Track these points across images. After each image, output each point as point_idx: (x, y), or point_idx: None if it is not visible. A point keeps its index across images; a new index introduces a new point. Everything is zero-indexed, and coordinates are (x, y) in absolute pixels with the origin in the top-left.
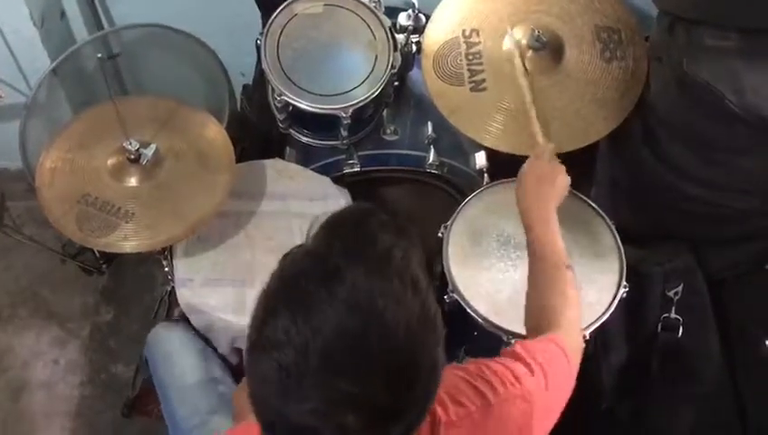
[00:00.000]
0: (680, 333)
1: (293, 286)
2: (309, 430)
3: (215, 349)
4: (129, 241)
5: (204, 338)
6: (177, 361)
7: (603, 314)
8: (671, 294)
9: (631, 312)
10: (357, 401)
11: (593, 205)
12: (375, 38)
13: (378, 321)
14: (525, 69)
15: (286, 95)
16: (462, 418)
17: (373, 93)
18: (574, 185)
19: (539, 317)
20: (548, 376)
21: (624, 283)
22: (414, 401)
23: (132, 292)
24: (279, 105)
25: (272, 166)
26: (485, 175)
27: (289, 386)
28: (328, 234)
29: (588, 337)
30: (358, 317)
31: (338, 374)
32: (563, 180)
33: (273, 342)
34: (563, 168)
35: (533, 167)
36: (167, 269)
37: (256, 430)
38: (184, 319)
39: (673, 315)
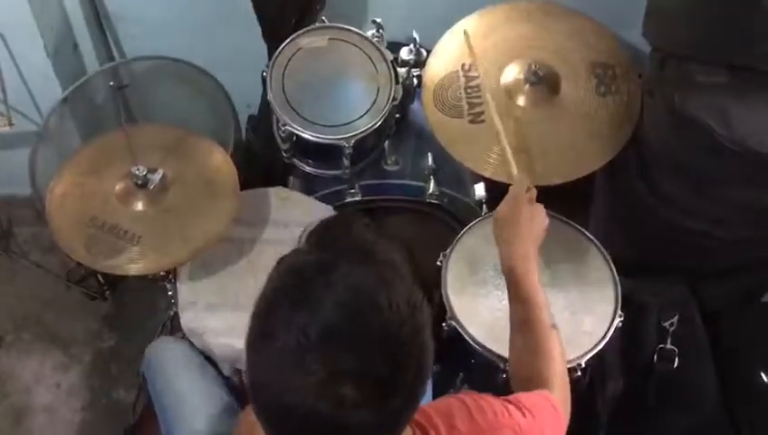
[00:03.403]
0: (676, 364)
1: (292, 280)
2: (308, 410)
3: (218, 370)
4: (135, 263)
5: (207, 358)
6: (179, 382)
7: (599, 342)
8: (666, 324)
9: (627, 342)
10: (355, 372)
11: (589, 235)
12: (377, 71)
13: (372, 301)
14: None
15: (290, 125)
16: None
17: (375, 124)
18: (571, 216)
19: (527, 379)
20: (537, 418)
21: (620, 312)
22: (407, 375)
23: (135, 318)
24: (283, 135)
25: (275, 194)
26: (484, 206)
27: (290, 365)
28: (319, 236)
29: (584, 366)
30: (354, 298)
31: (337, 348)
32: (541, 221)
33: (277, 328)
34: (541, 207)
35: (509, 208)
36: (170, 293)
37: None
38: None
39: (668, 346)
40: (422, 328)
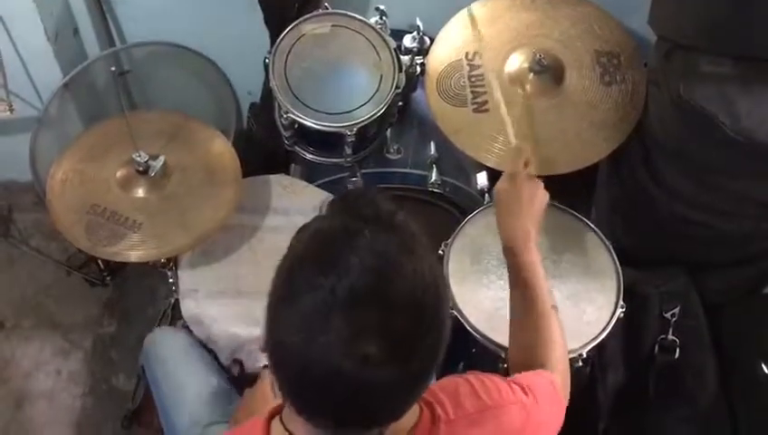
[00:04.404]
0: (677, 355)
1: (316, 244)
2: (331, 369)
3: (216, 359)
4: (135, 251)
5: (206, 348)
6: (177, 370)
7: (601, 333)
8: (668, 315)
9: (629, 333)
10: (380, 329)
11: (592, 226)
12: (380, 59)
13: (396, 264)
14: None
15: (293, 113)
16: (461, 417)
17: (377, 112)
18: (574, 206)
19: (527, 361)
20: (539, 399)
21: (622, 302)
22: (427, 338)
23: (135, 304)
24: (285, 122)
25: (277, 181)
26: (487, 195)
27: (316, 323)
28: (342, 204)
29: (585, 356)
30: (378, 261)
31: (363, 307)
32: (541, 197)
33: (302, 289)
34: (540, 183)
35: (508, 186)
36: (171, 280)
37: (260, 425)
38: (186, 330)
39: (670, 337)
40: (443, 296)
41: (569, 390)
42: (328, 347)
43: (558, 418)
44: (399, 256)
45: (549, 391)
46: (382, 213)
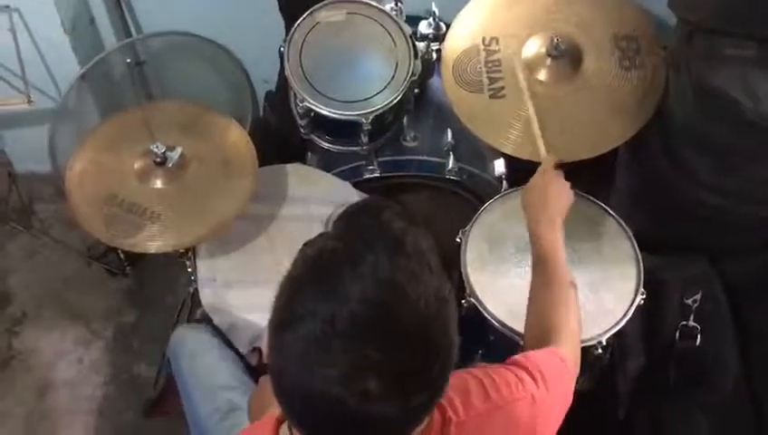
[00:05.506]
0: (698, 341)
1: (318, 267)
2: (332, 400)
3: (235, 349)
4: (154, 241)
5: (224, 338)
6: (202, 361)
7: (620, 320)
8: (689, 301)
9: (649, 319)
10: (381, 365)
11: (611, 212)
12: (396, 45)
13: (400, 293)
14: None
15: (308, 101)
16: (471, 417)
17: (393, 100)
18: (593, 192)
19: (540, 333)
20: (549, 384)
21: (642, 289)
22: (433, 371)
23: (155, 294)
24: (301, 111)
25: (294, 170)
26: (504, 181)
27: (315, 354)
28: (347, 223)
29: (605, 343)
30: (381, 290)
31: (363, 340)
32: (567, 195)
33: (301, 315)
34: (567, 184)
35: (539, 180)
36: (190, 270)
37: (270, 427)
38: (206, 319)
39: (691, 323)
40: (450, 321)
41: (579, 362)
42: (327, 381)
43: (567, 396)
44: (404, 285)
45: (559, 369)
46: (389, 233)
